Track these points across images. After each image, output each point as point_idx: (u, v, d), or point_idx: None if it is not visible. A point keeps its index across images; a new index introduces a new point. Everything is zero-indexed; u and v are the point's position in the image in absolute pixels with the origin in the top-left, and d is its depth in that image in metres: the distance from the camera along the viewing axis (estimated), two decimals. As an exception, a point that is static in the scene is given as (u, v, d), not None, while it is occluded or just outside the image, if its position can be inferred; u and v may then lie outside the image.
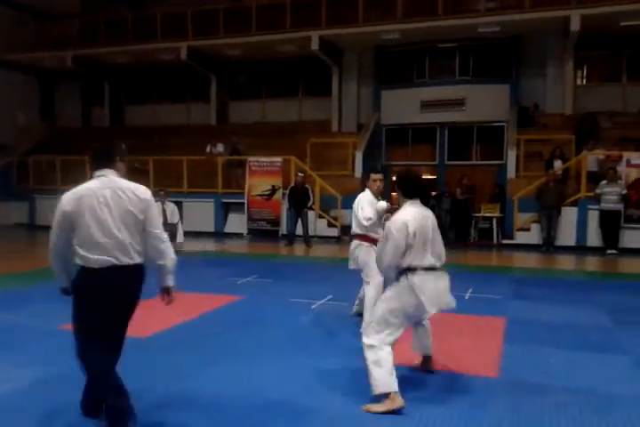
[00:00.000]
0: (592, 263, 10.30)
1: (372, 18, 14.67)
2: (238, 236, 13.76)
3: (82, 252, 2.90)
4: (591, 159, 12.10)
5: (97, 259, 2.89)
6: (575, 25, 12.99)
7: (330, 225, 13.35)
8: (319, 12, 15.21)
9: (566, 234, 11.53)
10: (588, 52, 14.65)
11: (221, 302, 6.29)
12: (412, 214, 3.51)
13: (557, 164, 12.33)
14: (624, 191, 10.94)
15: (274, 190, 13.57)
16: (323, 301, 6.31)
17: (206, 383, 3.77)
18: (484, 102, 14.48)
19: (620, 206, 10.95)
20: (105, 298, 2.91)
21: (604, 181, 11.07)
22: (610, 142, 12.69)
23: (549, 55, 14.68)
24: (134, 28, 17.19)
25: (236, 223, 14.07)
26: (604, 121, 13.51)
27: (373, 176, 5.04)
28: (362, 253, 4.97)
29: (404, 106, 15.13)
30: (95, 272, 2.89)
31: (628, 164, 11.32)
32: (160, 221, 3.16)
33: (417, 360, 4.12)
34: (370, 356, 3.44)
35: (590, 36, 13.51)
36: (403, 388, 3.38)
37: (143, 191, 3.05)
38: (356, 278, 5.28)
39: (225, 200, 14.23)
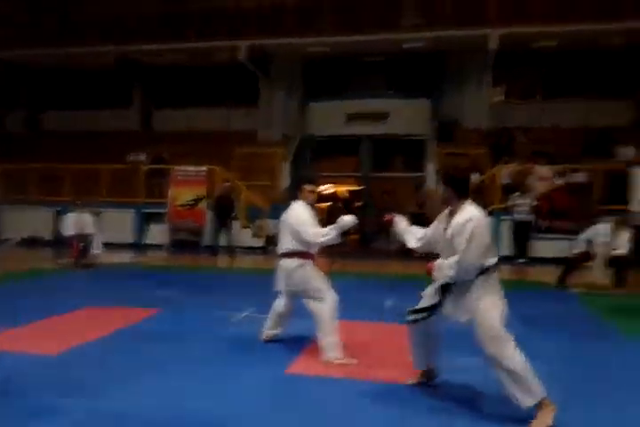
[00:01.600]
0: (504, 271, 10.77)
1: (300, 30, 14.84)
2: (159, 247, 13.41)
3: None
4: (505, 172, 12.70)
5: None
6: (493, 43, 13.66)
7: (254, 236, 13.25)
8: (249, 21, 15.22)
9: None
10: (506, 70, 15.47)
11: (139, 315, 6.08)
12: (481, 212, 3.44)
13: (475, 176, 12.84)
14: (534, 203, 11.55)
15: (198, 200, 13.34)
16: (245, 313, 6.24)
17: (119, 397, 3.63)
18: (407, 116, 14.93)
19: (531, 217, 11.55)
20: None
21: (517, 193, 11.65)
22: (523, 156, 13.38)
23: (469, 72, 15.38)
24: (63, 31, 16.51)
25: (158, 234, 13.71)
26: (519, 136, 14.25)
27: (308, 187, 4.71)
28: (306, 272, 4.58)
29: (330, 118, 15.34)
30: None
31: (539, 177, 11.97)
32: None
33: (412, 379, 3.99)
34: (519, 369, 3.27)
35: (508, 54, 14.23)
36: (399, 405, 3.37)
37: None
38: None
39: (146, 210, 13.84)
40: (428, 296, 3.70)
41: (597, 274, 8.25)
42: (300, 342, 4.99)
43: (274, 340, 5.00)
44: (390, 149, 15.52)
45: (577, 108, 14.82)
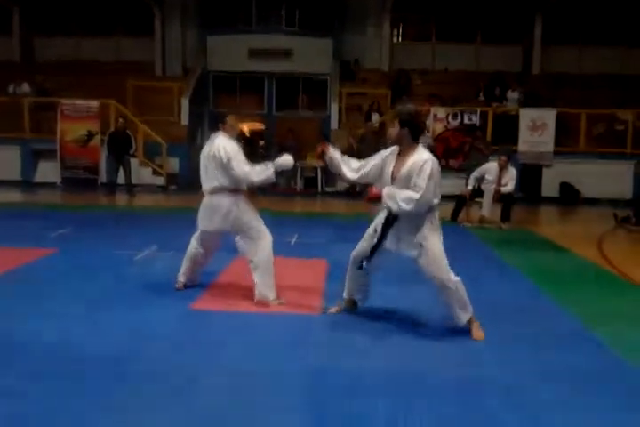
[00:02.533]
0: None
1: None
2: (52, 186, 12.66)
3: None
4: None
5: None
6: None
7: (155, 173, 12.86)
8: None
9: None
10: (404, 14, 15.64)
11: (31, 256, 5.79)
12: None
13: (375, 117, 13.10)
14: (431, 143, 12.02)
15: (90, 136, 12.61)
16: (147, 252, 6.12)
17: (14, 337, 3.54)
18: (310, 54, 14.69)
19: (428, 157, 12.04)
20: None
21: (415, 134, 12.04)
22: (420, 98, 13.75)
23: (370, 13, 15.36)
24: None
25: (48, 172, 12.88)
26: (415, 78, 14.58)
27: (232, 119, 4.47)
28: (241, 209, 4.34)
29: (231, 53, 14.78)
30: None
31: (435, 118, 12.43)
32: None
33: (333, 308, 4.21)
34: (460, 289, 3.74)
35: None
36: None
37: None
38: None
39: (34, 146, 12.91)
40: (367, 238, 3.94)
41: (485, 210, 8.85)
42: (206, 277, 4.96)
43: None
44: (294, 88, 15.34)
45: (468, 53, 15.34)
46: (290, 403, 2.83)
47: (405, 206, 3.62)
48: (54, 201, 10.99)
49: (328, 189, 12.89)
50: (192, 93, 13.98)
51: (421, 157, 3.68)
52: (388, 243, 3.83)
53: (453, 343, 3.73)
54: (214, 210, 4.36)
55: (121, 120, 11.89)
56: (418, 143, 3.77)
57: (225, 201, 4.32)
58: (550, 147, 12.55)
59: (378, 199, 3.79)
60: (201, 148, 4.58)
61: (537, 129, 12.48)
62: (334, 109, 13.79)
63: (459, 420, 2.74)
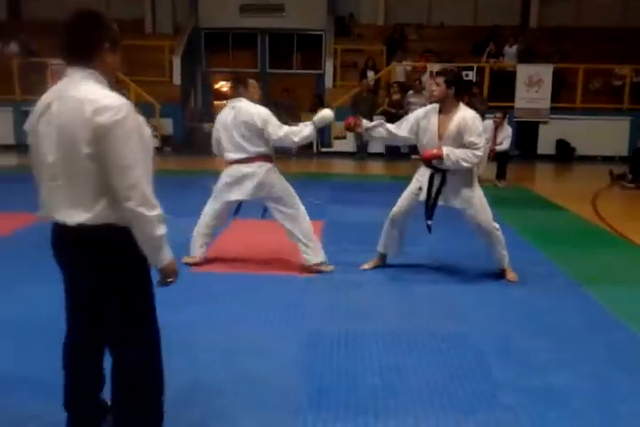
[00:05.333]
0: (400, 168, 11.25)
1: None
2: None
3: None
4: (399, 70, 12.83)
5: None
6: None
7: (148, 135, 12.74)
8: None
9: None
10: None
11: (27, 221, 5.77)
12: None
13: (370, 74, 12.90)
14: (428, 101, 11.88)
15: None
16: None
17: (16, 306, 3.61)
18: (303, 9, 14.33)
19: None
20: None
21: (411, 92, 11.90)
22: (416, 54, 13.51)
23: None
24: None
25: (42, 134, 12.74)
26: (411, 33, 14.26)
27: (254, 82, 4.32)
28: (278, 177, 4.26)
29: (222, 8, 14.40)
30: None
31: (431, 75, 12.22)
32: None
33: (367, 265, 4.49)
34: (501, 234, 4.18)
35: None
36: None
37: None
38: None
39: (27, 109, 12.69)
40: (408, 196, 4.24)
41: (480, 169, 8.84)
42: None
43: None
44: (287, 45, 15.03)
45: (465, 6, 14.93)
46: (284, 364, 2.94)
47: (465, 164, 3.91)
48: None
49: (324, 150, 12.82)
50: (183, 52, 13.70)
51: (467, 114, 3.96)
52: (442, 197, 4.14)
53: (441, 303, 3.85)
54: (246, 179, 4.16)
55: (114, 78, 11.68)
56: (459, 102, 4.03)
57: (260, 169, 4.15)
58: (547, 103, 12.44)
59: (434, 159, 3.96)
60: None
61: (533, 85, 12.34)
62: (329, 67, 13.55)
63: (449, 368, 2.87)
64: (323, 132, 13.15)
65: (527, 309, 3.78)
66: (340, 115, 12.65)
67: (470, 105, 11.81)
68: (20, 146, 12.63)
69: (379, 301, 3.86)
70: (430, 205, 4.12)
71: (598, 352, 3.16)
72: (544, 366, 2.98)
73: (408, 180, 4.37)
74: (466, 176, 4.07)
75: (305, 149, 12.98)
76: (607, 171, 9.56)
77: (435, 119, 4.00)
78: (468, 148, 3.90)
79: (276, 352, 3.05)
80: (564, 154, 12.42)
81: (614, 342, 3.30)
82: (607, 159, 11.93)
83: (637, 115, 12.37)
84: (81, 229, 1.86)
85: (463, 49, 13.61)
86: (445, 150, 3.89)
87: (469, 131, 3.90)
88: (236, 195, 4.24)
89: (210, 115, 11.95)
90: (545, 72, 12.36)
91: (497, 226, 4.18)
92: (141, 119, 1.92)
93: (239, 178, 4.19)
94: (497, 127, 8.70)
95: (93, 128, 1.79)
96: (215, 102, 14.51)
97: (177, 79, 13.40)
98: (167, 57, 13.59)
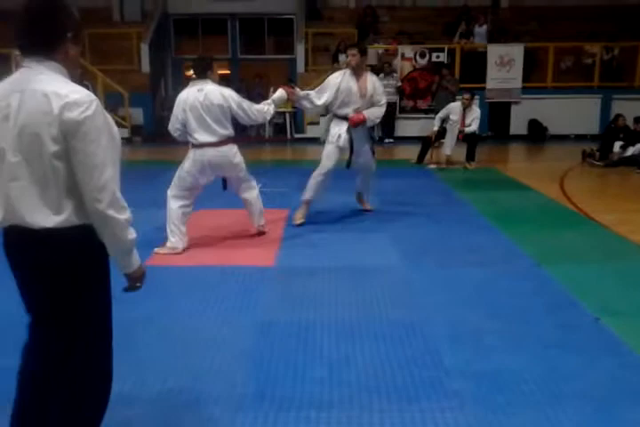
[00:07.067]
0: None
1: None
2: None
3: None
4: (371, 53, 12.70)
5: None
6: None
7: (118, 125, 12.51)
8: None
9: (350, 126, 12.28)
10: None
11: None
12: None
13: (342, 58, 12.74)
14: (398, 84, 11.82)
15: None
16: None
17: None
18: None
19: (396, 98, 11.88)
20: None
21: (382, 75, 11.80)
22: (388, 36, 13.38)
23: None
24: None
25: None
26: (382, 15, 14.11)
27: (217, 66, 4.50)
28: (241, 157, 4.52)
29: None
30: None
31: (403, 57, 12.16)
32: None
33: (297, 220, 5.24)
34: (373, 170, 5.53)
35: None
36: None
37: None
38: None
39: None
40: (333, 153, 5.13)
41: (448, 150, 8.84)
42: (157, 233, 4.74)
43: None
44: (258, 30, 14.81)
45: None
46: (235, 355, 2.92)
47: (377, 120, 5.35)
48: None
49: (297, 136, 12.72)
50: (152, 39, 13.44)
51: (373, 77, 5.20)
52: (355, 146, 5.15)
53: (397, 290, 3.85)
54: (222, 160, 4.33)
55: (78, 70, 11.45)
56: (368, 67, 5.24)
57: (232, 150, 4.39)
58: (518, 83, 12.41)
59: (361, 122, 5.01)
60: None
61: (505, 65, 12.30)
62: (300, 51, 13.39)
63: (399, 356, 2.87)
64: (296, 118, 13.07)
65: (484, 291, 3.78)
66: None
67: (442, 86, 11.82)
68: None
69: (334, 289, 3.83)
70: (350, 153, 5.17)
71: (549, 333, 3.17)
72: (495, 350, 2.99)
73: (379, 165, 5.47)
74: (364, 128, 5.20)
75: (279, 136, 12.91)
76: (580, 150, 9.58)
77: (353, 83, 4.94)
78: (375, 105, 5.03)
79: (229, 343, 3.03)
80: (537, 134, 12.45)
81: (567, 321, 3.32)
82: (580, 138, 11.97)
83: (607, 92, 12.40)
84: (46, 231, 1.74)
85: (436, 30, 13.51)
86: (366, 114, 4.98)
87: (378, 91, 5.09)
88: (206, 177, 4.42)
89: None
90: (516, 52, 12.32)
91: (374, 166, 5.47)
92: (110, 117, 1.82)
93: (213, 160, 4.29)
94: (465, 108, 8.66)
95: (61, 125, 1.67)
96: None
97: (146, 67, 13.15)
98: (135, 45, 13.33)
